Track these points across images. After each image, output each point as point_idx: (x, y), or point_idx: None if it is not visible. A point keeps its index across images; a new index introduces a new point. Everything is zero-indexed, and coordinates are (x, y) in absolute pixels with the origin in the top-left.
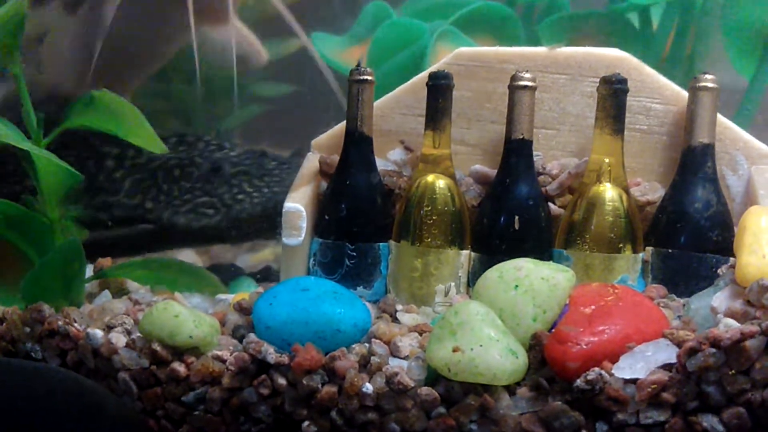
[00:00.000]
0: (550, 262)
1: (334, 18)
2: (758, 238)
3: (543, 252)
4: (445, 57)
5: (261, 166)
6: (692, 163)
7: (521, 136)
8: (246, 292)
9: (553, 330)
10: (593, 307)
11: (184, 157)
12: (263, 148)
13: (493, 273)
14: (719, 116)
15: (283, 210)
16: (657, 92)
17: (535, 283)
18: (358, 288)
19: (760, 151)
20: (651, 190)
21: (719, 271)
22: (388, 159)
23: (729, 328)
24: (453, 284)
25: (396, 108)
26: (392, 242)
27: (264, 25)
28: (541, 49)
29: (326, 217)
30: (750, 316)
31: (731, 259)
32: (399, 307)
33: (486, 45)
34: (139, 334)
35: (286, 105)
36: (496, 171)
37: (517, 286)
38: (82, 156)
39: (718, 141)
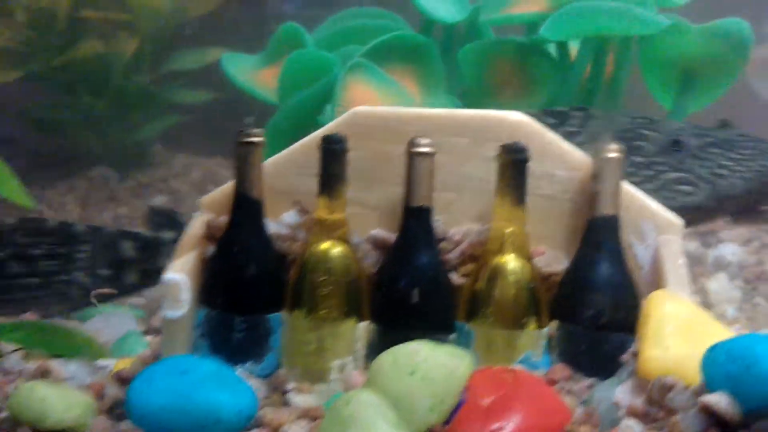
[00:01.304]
0: (448, 346)
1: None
2: (662, 327)
3: (445, 325)
4: (340, 117)
5: (728, 139)
6: (596, 235)
7: (419, 204)
8: (129, 357)
9: (448, 425)
10: (492, 398)
11: (618, 130)
12: (723, 119)
13: (387, 357)
14: (626, 185)
15: (163, 281)
16: (560, 158)
17: (432, 369)
18: (247, 363)
19: (667, 221)
20: (555, 261)
21: (623, 357)
22: (281, 221)
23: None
24: (350, 359)
25: (290, 167)
26: (285, 313)
27: (181, 34)
28: (440, 111)
29: (212, 286)
30: (651, 417)
31: (637, 338)
32: (291, 385)
33: (402, 75)
34: (7, 414)
35: (207, 112)
36: (395, 236)
37: (413, 372)
38: None
39: (625, 209)
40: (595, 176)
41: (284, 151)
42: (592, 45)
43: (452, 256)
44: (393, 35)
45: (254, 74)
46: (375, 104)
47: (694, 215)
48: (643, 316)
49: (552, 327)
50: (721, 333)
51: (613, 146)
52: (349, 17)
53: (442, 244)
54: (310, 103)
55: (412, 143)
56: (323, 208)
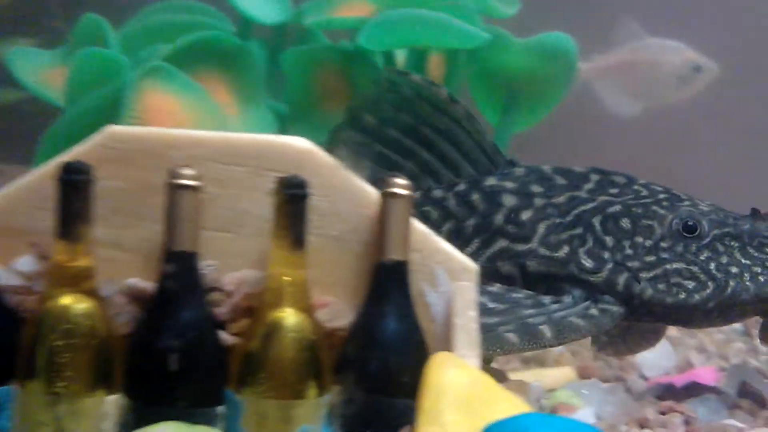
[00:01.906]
0: (198, 428)
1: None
2: (440, 400)
3: (211, 396)
4: (91, 138)
5: (754, 233)
6: (383, 283)
7: (182, 248)
8: None
9: None
10: None
11: (632, 204)
12: (754, 208)
13: None
14: (418, 225)
15: None
16: (349, 193)
17: None
18: None
19: (462, 265)
20: (339, 314)
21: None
22: (13, 269)
23: None
24: None
25: (27, 201)
26: (15, 385)
27: None
28: (214, 134)
29: None
30: None
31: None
32: None
33: (215, 82)
34: None
35: (14, 114)
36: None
37: None
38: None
39: (416, 252)
40: (382, 214)
41: (18, 181)
42: (418, 55)
43: (223, 310)
44: (202, 36)
45: (47, 72)
46: (175, 115)
47: (689, 316)
48: (422, 385)
49: (334, 393)
50: (504, 406)
51: (401, 182)
52: (164, 10)
53: (213, 296)
54: (95, 112)
55: (172, 173)
56: (62, 253)
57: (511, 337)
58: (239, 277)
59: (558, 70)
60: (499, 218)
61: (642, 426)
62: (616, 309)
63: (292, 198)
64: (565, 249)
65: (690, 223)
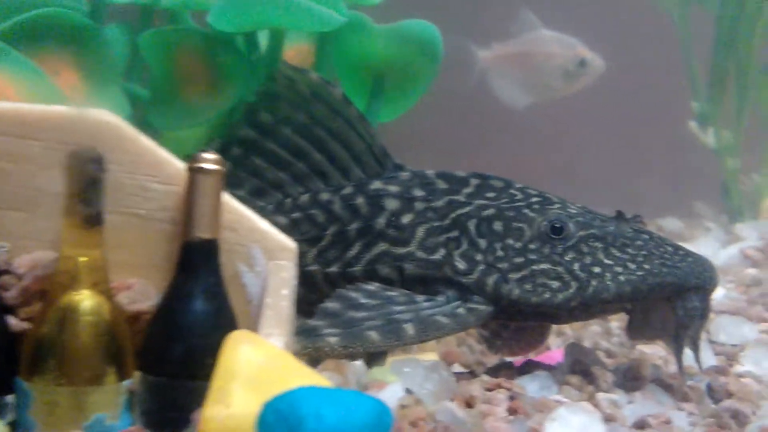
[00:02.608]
0: None
1: None
2: (231, 379)
3: (1, 386)
4: None
5: (617, 234)
6: (190, 263)
7: None
8: None
9: None
10: None
11: (505, 207)
12: (619, 210)
13: None
14: (233, 202)
15: None
16: (156, 169)
17: None
18: None
19: (280, 244)
20: (144, 297)
21: (193, 416)
22: None
23: None
24: None
25: None
26: None
27: None
28: (5, 105)
29: None
30: None
31: None
32: None
33: (57, 61)
34: None
35: None
36: None
37: None
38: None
39: (232, 231)
40: (189, 190)
41: None
42: (278, 40)
43: (12, 294)
44: (41, 12)
45: None
46: (8, 96)
47: (554, 314)
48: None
49: (135, 379)
50: (299, 382)
51: (210, 156)
52: None
53: (2, 279)
54: None
55: None
56: None
57: (372, 335)
58: (32, 259)
59: (420, 58)
60: (380, 222)
61: (468, 403)
62: (483, 308)
63: (85, 172)
64: (442, 252)
65: (557, 225)
